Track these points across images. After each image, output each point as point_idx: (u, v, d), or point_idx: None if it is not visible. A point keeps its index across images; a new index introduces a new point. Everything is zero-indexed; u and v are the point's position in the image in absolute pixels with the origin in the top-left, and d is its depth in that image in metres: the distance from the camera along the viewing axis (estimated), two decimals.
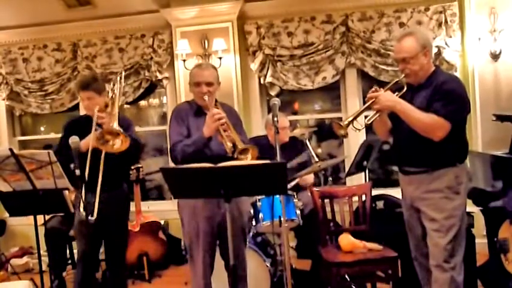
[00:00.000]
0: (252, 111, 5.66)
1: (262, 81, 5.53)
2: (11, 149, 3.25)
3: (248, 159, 3.00)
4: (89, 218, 3.25)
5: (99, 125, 3.47)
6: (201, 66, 3.45)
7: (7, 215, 3.73)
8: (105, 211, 3.45)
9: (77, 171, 3.17)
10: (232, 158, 3.00)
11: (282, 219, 3.34)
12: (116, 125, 3.29)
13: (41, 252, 3.77)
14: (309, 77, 5.40)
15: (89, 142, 3.37)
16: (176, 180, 2.78)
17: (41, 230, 3.67)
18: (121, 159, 3.49)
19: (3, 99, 6.11)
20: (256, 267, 3.83)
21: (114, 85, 3.66)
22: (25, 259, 5.65)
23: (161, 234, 5.36)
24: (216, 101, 3.38)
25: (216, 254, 3.36)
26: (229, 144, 3.07)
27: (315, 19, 5.33)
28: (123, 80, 3.64)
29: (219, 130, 3.11)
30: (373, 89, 3.07)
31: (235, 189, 2.68)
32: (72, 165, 3.20)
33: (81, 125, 3.64)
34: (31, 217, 3.61)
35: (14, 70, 5.99)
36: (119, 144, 3.27)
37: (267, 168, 2.67)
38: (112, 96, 3.59)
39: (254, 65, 5.46)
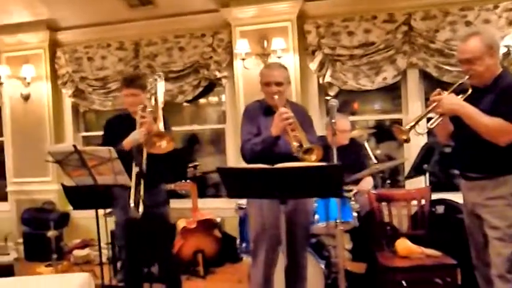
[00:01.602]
0: (310, 111, 5.57)
1: (321, 81, 5.49)
2: (74, 146, 3.39)
3: (312, 159, 3.01)
4: (136, 212, 3.33)
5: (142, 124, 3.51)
6: (271, 66, 3.51)
7: (71, 208, 3.89)
8: (147, 209, 3.49)
9: (134, 169, 3.26)
10: (298, 158, 3.03)
11: (337, 221, 3.32)
12: (161, 126, 3.35)
13: (102, 244, 3.91)
14: (368, 77, 5.32)
15: (131, 141, 3.44)
16: (232, 180, 2.82)
17: (102, 223, 3.81)
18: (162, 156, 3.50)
19: (69, 97, 6.37)
20: (310, 269, 3.80)
21: (156, 84, 3.69)
22: (86, 250, 5.87)
23: (217, 232, 5.42)
24: (288, 101, 3.42)
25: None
26: (296, 144, 3.09)
27: (376, 18, 5.24)
28: (162, 79, 3.65)
29: (286, 129, 3.14)
30: (436, 91, 2.98)
31: (290, 191, 2.69)
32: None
33: (122, 123, 3.71)
34: (93, 211, 3.77)
35: (79, 68, 6.22)
36: (165, 145, 3.33)
37: (322, 170, 2.66)
38: (155, 98, 3.60)
39: (313, 65, 5.43)
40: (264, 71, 3.43)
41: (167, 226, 3.94)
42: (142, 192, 3.41)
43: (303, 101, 5.44)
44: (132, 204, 3.36)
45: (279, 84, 3.32)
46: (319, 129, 5.32)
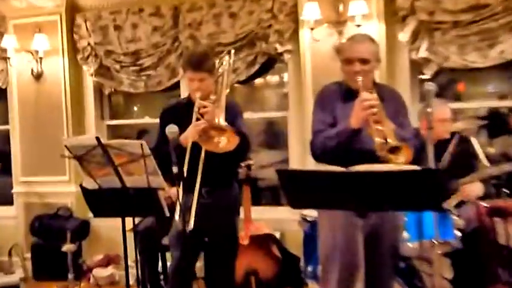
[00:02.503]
0: None
1: (414, 56, 5.41)
2: (97, 138, 3.47)
3: (399, 161, 3.00)
4: (186, 226, 3.41)
5: (201, 115, 3.59)
6: (355, 38, 3.52)
7: (91, 215, 4.00)
8: (208, 217, 3.60)
9: (174, 169, 3.33)
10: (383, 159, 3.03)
11: (434, 240, 3.29)
12: (222, 120, 3.40)
13: (129, 262, 4.01)
14: (479, 50, 5.20)
15: (189, 135, 3.51)
16: (295, 186, 2.83)
17: (129, 235, 3.91)
18: (226, 156, 3.61)
19: (91, 75, 6.51)
20: None
21: (222, 65, 3.76)
22: (110, 269, 6.03)
23: (275, 249, 5.44)
24: (376, 83, 3.43)
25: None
26: (379, 140, 3.08)
27: None
28: (232, 58, 3.72)
29: (369, 121, 3.14)
30: None
31: (371, 201, 2.69)
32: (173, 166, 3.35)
33: (181, 112, 3.81)
34: (118, 219, 3.86)
35: (104, 40, 6.36)
36: (224, 143, 3.40)
37: (413, 176, 2.63)
38: (221, 82, 3.70)
39: (404, 35, 5.36)
40: (345, 45, 3.47)
41: (230, 241, 4.04)
42: (195, 201, 3.50)
43: (389, 81, 5.37)
44: (176, 217, 3.44)
45: (364, 61, 3.33)
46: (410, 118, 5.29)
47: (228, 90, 3.71)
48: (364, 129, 3.21)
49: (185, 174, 3.43)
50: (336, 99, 3.44)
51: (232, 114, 3.68)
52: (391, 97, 3.45)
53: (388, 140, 3.05)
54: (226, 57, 3.82)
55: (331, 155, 3.20)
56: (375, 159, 2.96)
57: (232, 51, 3.94)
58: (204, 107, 3.56)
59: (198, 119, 3.54)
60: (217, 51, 5.71)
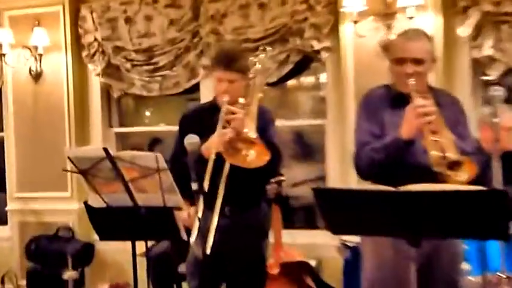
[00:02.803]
0: None
1: (476, 55, 5.38)
2: (105, 149, 3.49)
3: (462, 178, 2.95)
4: (205, 251, 3.40)
5: (228, 123, 3.57)
6: (407, 34, 3.49)
7: (96, 237, 4.01)
8: (230, 241, 3.58)
9: (194, 185, 3.32)
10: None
11: (500, 274, 3.26)
12: (253, 131, 3.39)
13: None
14: None
15: (212, 146, 3.50)
16: (334, 207, 2.82)
17: (141, 261, 3.90)
18: (254, 171, 3.58)
19: (98, 75, 6.54)
20: None
21: (254, 66, 3.74)
22: None
23: (309, 280, 5.41)
24: (430, 88, 3.41)
25: None
26: (436, 154, 3.04)
27: None
28: (267, 57, 3.71)
29: (424, 131, 3.11)
30: None
31: (426, 227, 2.66)
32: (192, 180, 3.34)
33: (203, 119, 3.81)
34: (128, 243, 3.87)
35: (113, 35, 6.40)
36: (253, 157, 3.38)
37: (477, 198, 2.59)
38: (252, 85, 3.68)
39: (464, 30, 5.31)
40: (395, 42, 3.47)
41: (257, 270, 4.03)
42: (215, 221, 3.50)
43: (446, 83, 5.33)
44: (192, 239, 3.43)
45: (418, 61, 3.31)
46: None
47: (261, 95, 3.67)
48: (417, 141, 3.19)
49: (206, 190, 3.42)
50: (384, 106, 3.43)
51: (263, 121, 3.65)
52: (449, 103, 3.43)
53: (447, 153, 3.01)
54: (261, 56, 3.79)
55: (378, 171, 3.20)
56: (431, 176, 2.92)
57: (268, 48, 3.90)
58: (233, 113, 3.53)
59: (224, 127, 3.52)
60: (244, 48, 5.72)
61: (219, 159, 3.51)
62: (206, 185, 3.42)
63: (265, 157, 3.36)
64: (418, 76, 3.29)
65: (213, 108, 3.81)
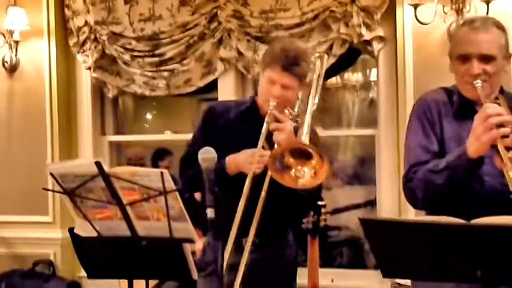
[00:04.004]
0: None
1: None
2: (98, 163, 3.50)
3: None
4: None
5: (270, 134, 3.62)
6: (474, 24, 3.42)
7: (84, 274, 4.05)
8: (251, 282, 3.62)
9: (209, 212, 3.34)
10: None
11: None
12: (307, 139, 3.41)
13: None
14: None
15: (240, 161, 3.56)
16: (388, 243, 2.82)
17: None
18: (290, 194, 3.62)
19: (89, 68, 6.60)
20: None
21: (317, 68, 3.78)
22: None
23: None
24: (502, 90, 3.40)
25: None
26: None
27: None
28: (325, 62, 3.76)
29: (498, 146, 3.08)
30: None
31: (503, 271, 2.65)
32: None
33: (238, 120, 3.85)
34: (124, 282, 3.91)
35: (108, 18, 6.46)
36: (308, 176, 3.40)
37: None
38: (308, 92, 3.72)
39: None
40: (460, 33, 3.42)
41: None
42: (245, 257, 3.56)
43: None
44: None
45: (487, 58, 3.29)
46: None
47: (316, 104, 3.70)
48: (488, 159, 3.16)
49: (240, 217, 3.48)
50: (444, 115, 3.41)
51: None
52: None
53: None
54: (318, 62, 3.82)
55: (438, 198, 3.17)
56: (508, 205, 2.91)
57: (326, 57, 3.94)
58: (282, 121, 3.59)
59: (268, 137, 3.58)
60: (275, 37, 5.76)
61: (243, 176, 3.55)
62: (240, 210, 3.46)
63: (323, 174, 3.38)
64: (487, 77, 3.27)
65: (252, 109, 3.87)
